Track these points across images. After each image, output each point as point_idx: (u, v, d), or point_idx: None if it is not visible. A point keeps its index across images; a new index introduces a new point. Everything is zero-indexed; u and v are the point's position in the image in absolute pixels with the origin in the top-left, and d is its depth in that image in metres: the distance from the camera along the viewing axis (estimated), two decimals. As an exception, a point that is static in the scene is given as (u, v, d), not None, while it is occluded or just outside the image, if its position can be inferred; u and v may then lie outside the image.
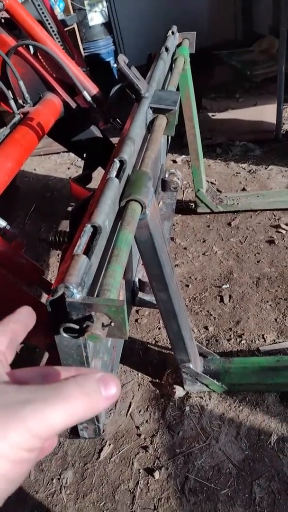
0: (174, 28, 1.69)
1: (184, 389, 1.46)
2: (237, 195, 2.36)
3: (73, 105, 1.68)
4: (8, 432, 0.29)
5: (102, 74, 3.72)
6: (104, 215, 0.66)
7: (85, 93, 1.63)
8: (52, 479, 1.34)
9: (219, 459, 1.29)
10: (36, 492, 1.31)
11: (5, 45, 1.50)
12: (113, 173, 0.79)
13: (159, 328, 1.73)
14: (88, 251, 0.61)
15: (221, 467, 1.27)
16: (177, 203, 2.10)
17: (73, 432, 0.79)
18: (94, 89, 1.70)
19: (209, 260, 2.03)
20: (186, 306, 1.79)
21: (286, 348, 1.55)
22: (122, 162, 0.81)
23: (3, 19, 1.65)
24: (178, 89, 1.41)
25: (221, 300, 1.80)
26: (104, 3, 3.82)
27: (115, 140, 1.51)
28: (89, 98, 1.65)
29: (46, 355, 1.63)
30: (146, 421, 1.43)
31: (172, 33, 1.64)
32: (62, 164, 3.21)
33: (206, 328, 1.69)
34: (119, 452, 1.37)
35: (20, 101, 1.57)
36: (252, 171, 2.64)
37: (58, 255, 2.23)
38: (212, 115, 3.21)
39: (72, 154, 3.03)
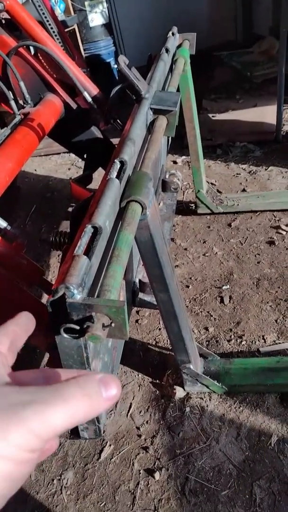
0: (175, 29, 1.69)
1: (184, 390, 1.46)
2: (237, 196, 2.36)
3: (74, 105, 1.69)
4: (9, 433, 0.30)
5: (102, 75, 3.73)
6: (104, 216, 0.67)
7: (86, 94, 1.63)
8: (53, 480, 1.34)
9: (219, 460, 1.29)
10: (36, 493, 1.31)
11: (5, 45, 1.51)
12: (114, 173, 0.79)
13: (160, 329, 1.73)
14: (88, 252, 0.61)
15: (222, 468, 1.27)
16: (178, 204, 2.11)
17: (74, 432, 0.79)
18: (94, 90, 1.71)
19: (209, 261, 2.03)
20: (186, 307, 1.79)
21: (286, 349, 1.55)
22: (122, 163, 0.81)
23: (3, 20, 1.65)
24: (178, 90, 1.42)
25: (222, 301, 1.80)
26: (105, 4, 3.82)
27: (115, 141, 1.52)
28: (89, 99, 1.65)
29: (47, 356, 1.63)
30: (147, 421, 1.43)
31: (173, 34, 1.64)
32: (63, 165, 3.22)
33: (206, 329, 1.69)
34: (119, 452, 1.36)
35: (21, 102, 1.57)
36: (252, 172, 2.64)
37: (58, 255, 2.23)
38: (213, 116, 3.21)
39: (72, 155, 3.04)
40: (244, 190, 2.49)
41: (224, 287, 1.86)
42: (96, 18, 3.82)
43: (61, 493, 1.30)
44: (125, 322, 0.55)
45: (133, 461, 1.33)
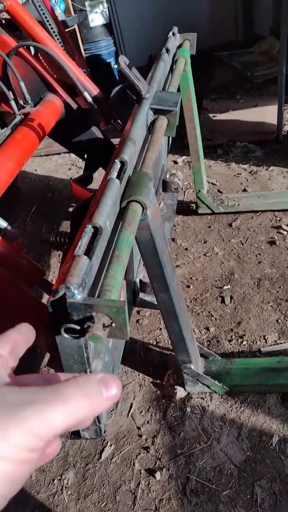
0: (175, 29, 1.69)
1: (185, 390, 1.45)
2: (238, 196, 2.36)
3: (74, 106, 1.68)
4: (9, 433, 0.29)
5: (103, 75, 3.73)
6: (105, 216, 0.67)
7: (86, 94, 1.63)
8: (53, 480, 1.34)
9: (220, 460, 1.29)
10: (37, 493, 1.31)
11: (6, 46, 1.51)
12: (114, 174, 0.79)
13: (160, 329, 1.73)
14: (89, 252, 0.61)
15: (223, 468, 1.27)
16: (178, 204, 2.11)
17: (74, 432, 0.79)
18: (95, 90, 1.71)
19: (210, 261, 2.03)
20: (187, 306, 1.79)
21: (287, 349, 1.55)
22: (123, 163, 0.81)
23: (4, 20, 1.65)
24: (178, 90, 1.42)
25: (222, 301, 1.80)
26: (105, 4, 3.82)
27: (116, 141, 1.52)
28: (90, 99, 1.65)
29: (47, 356, 1.63)
30: (147, 421, 1.43)
31: (173, 34, 1.64)
32: (63, 165, 3.22)
33: (207, 329, 1.69)
34: (120, 452, 1.36)
35: (21, 102, 1.57)
36: (253, 172, 2.64)
37: (59, 255, 2.23)
38: (213, 116, 3.21)
39: (73, 155, 3.04)
40: (245, 190, 2.49)
41: (225, 287, 1.86)
42: (97, 18, 3.82)
43: (62, 493, 1.30)
44: (125, 322, 0.55)
45: (134, 461, 1.33)
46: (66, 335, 0.57)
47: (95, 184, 1.77)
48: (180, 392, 1.45)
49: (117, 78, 3.84)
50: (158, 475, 1.28)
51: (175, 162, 2.89)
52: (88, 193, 1.54)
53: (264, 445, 1.30)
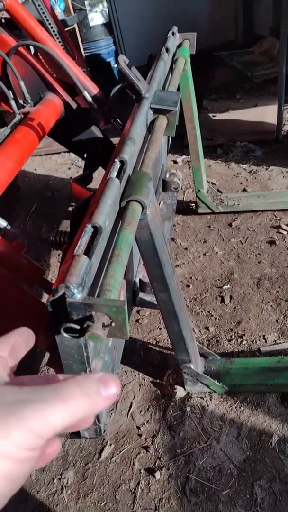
0: (175, 28, 1.69)
1: (185, 389, 1.46)
2: (237, 196, 2.36)
3: (74, 105, 1.68)
4: (9, 432, 0.30)
5: (102, 74, 3.72)
6: (104, 216, 0.67)
7: (86, 93, 1.63)
8: (53, 479, 1.34)
9: (220, 460, 1.29)
10: (37, 492, 1.31)
11: (5, 45, 1.51)
12: (114, 173, 0.79)
13: (160, 329, 1.73)
14: (88, 252, 0.61)
15: (222, 467, 1.27)
16: (178, 203, 2.10)
17: (74, 432, 0.79)
18: (94, 89, 1.70)
19: (210, 260, 2.03)
20: (187, 306, 1.79)
21: (287, 349, 1.55)
22: (122, 163, 0.81)
23: (3, 19, 1.65)
24: (178, 89, 1.41)
25: (222, 301, 1.80)
26: (105, 4, 3.82)
27: (115, 140, 1.52)
28: (89, 98, 1.65)
29: (47, 356, 1.63)
30: (147, 421, 1.43)
31: (173, 33, 1.64)
32: (63, 164, 3.22)
33: (207, 328, 1.69)
34: (120, 452, 1.36)
35: (21, 101, 1.57)
36: (252, 171, 2.64)
37: (58, 255, 2.23)
38: (213, 116, 3.21)
39: (72, 154, 3.04)
40: (244, 189, 2.49)
41: (224, 287, 1.86)
42: (96, 18, 3.82)
43: (62, 492, 1.30)
44: (125, 321, 0.55)
45: (134, 461, 1.33)
46: (65, 335, 0.57)
47: (94, 184, 1.77)
48: (180, 392, 1.45)
49: (117, 77, 3.84)
50: (157, 474, 1.28)
51: (175, 162, 2.89)
52: (88, 193, 1.54)
53: (263, 444, 1.30)
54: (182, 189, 2.57)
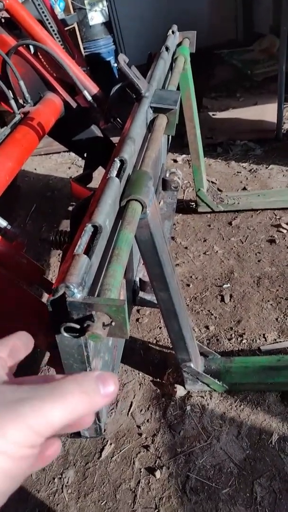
0: (175, 27, 1.68)
1: (185, 388, 1.46)
2: (237, 195, 2.36)
3: (74, 104, 1.68)
4: (8, 429, 0.30)
5: (102, 73, 3.72)
6: (104, 215, 0.67)
7: (86, 93, 1.63)
8: (54, 478, 1.34)
9: (220, 459, 1.29)
10: (37, 491, 1.32)
11: (5, 45, 1.51)
12: (114, 172, 0.79)
13: (160, 328, 1.73)
14: (88, 251, 0.61)
15: (222, 466, 1.27)
16: (178, 202, 2.10)
17: (74, 431, 0.79)
18: (94, 89, 1.70)
19: (210, 259, 2.03)
20: (187, 305, 1.79)
21: (287, 348, 1.55)
22: (122, 162, 0.81)
23: (3, 18, 1.65)
24: (178, 88, 1.41)
25: (222, 300, 1.80)
26: (105, 3, 3.82)
27: (115, 139, 1.51)
28: (89, 98, 1.65)
29: (47, 355, 1.63)
30: (147, 420, 1.43)
31: (173, 32, 1.64)
32: (63, 164, 3.22)
33: (207, 327, 1.69)
34: (120, 451, 1.37)
35: (21, 101, 1.57)
36: (252, 170, 2.64)
37: (59, 254, 2.23)
38: (213, 115, 3.20)
39: (72, 154, 3.04)
40: (244, 188, 2.49)
41: (224, 286, 1.86)
42: (96, 17, 3.82)
43: (62, 491, 1.31)
44: (125, 321, 0.55)
45: (134, 460, 1.34)
46: (66, 334, 0.57)
47: (94, 183, 1.77)
48: (180, 391, 1.45)
49: (117, 76, 3.83)
50: (158, 473, 1.28)
51: (175, 161, 2.89)
52: (88, 192, 1.54)
53: (263, 443, 1.30)
54: (182, 188, 2.57)
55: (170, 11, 4.08)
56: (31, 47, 1.73)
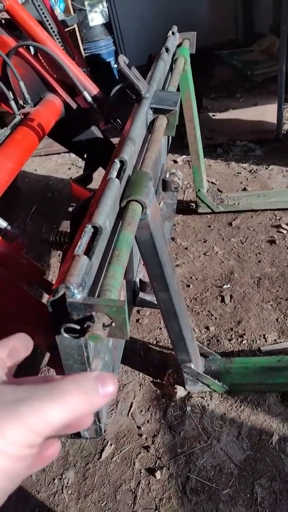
0: (174, 28, 1.69)
1: (185, 389, 1.46)
2: (238, 195, 2.36)
3: (74, 105, 1.68)
4: (7, 429, 0.30)
5: (102, 74, 3.72)
6: (104, 216, 0.67)
7: (86, 94, 1.63)
8: (54, 479, 1.34)
9: (220, 459, 1.29)
10: (37, 492, 1.31)
11: (5, 45, 1.51)
12: (114, 173, 0.79)
13: (160, 328, 1.73)
14: (88, 252, 0.61)
15: (223, 467, 1.27)
16: (178, 203, 2.11)
17: (74, 432, 0.79)
18: (94, 90, 1.71)
19: (210, 260, 2.03)
20: (187, 306, 1.79)
21: (287, 348, 1.55)
22: (122, 163, 0.81)
23: (3, 19, 1.65)
24: (178, 89, 1.41)
25: (222, 300, 1.80)
26: (105, 4, 3.82)
27: (115, 140, 1.52)
28: (89, 99, 1.65)
29: (47, 356, 1.63)
30: (148, 421, 1.43)
31: (172, 33, 1.64)
32: (63, 165, 3.22)
33: (207, 328, 1.69)
34: (120, 452, 1.37)
35: (21, 102, 1.57)
36: (253, 171, 2.64)
37: (59, 255, 2.23)
38: (213, 115, 3.21)
39: (72, 155, 3.04)
40: (244, 189, 2.49)
41: (225, 286, 1.86)
42: (96, 18, 3.82)
43: (62, 492, 1.30)
44: (125, 321, 0.55)
45: (134, 461, 1.34)
46: (66, 335, 0.57)
47: (95, 184, 1.77)
48: (180, 392, 1.45)
49: (117, 77, 3.83)
50: (158, 474, 1.28)
51: (175, 162, 2.89)
52: (88, 193, 1.54)
53: (264, 444, 1.30)
54: (182, 188, 2.57)
55: (170, 11, 4.09)
56: (31, 48, 1.73)
